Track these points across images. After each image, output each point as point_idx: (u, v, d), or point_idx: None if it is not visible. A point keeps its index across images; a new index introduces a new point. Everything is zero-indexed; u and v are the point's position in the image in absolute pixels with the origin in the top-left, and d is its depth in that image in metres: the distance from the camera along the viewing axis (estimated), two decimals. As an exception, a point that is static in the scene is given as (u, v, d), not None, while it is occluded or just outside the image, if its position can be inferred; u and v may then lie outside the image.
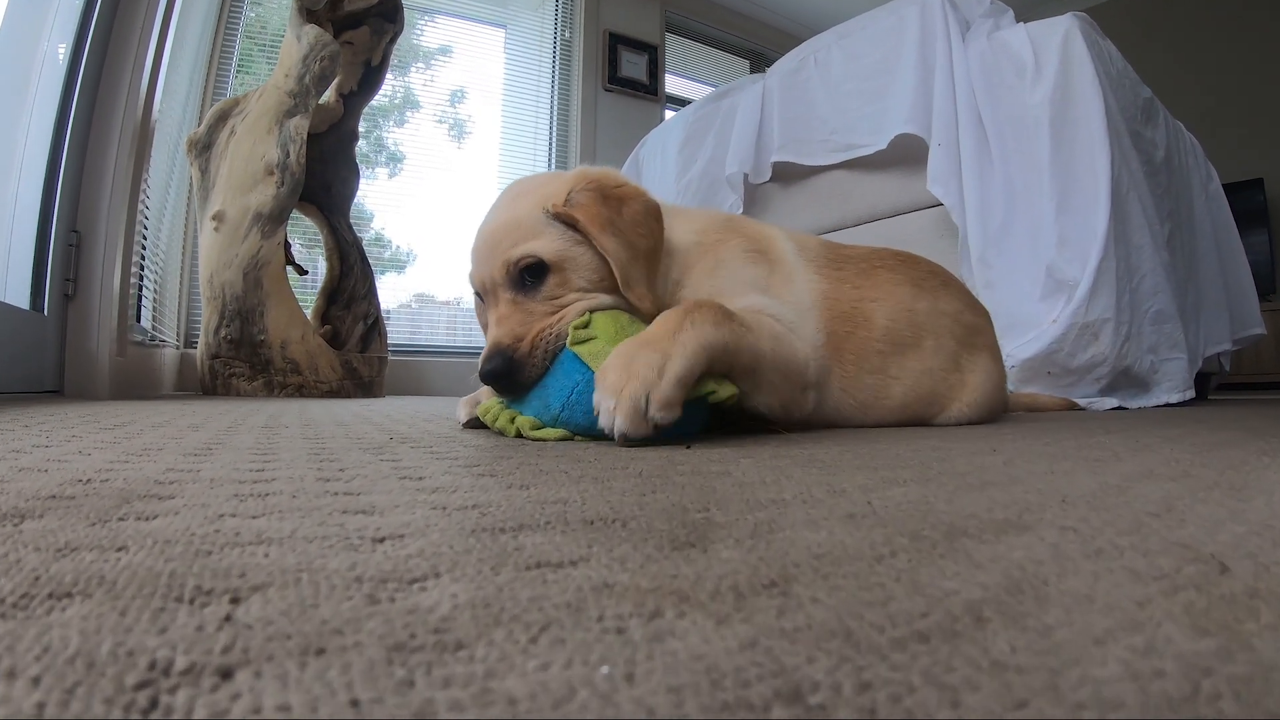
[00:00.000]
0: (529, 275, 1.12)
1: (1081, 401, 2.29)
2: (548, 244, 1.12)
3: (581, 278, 1.12)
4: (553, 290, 1.12)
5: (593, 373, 1.00)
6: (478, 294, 1.21)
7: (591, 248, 1.12)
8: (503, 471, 0.64)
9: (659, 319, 1.00)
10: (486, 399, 1.19)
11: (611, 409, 0.92)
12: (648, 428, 0.91)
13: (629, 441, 0.91)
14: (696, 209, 1.41)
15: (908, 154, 2.70)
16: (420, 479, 0.59)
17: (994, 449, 0.88)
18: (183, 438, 0.92)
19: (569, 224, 1.12)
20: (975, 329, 1.51)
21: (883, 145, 2.72)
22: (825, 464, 0.70)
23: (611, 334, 1.04)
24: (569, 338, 1.05)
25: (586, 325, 1.06)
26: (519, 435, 1.06)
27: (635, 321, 1.09)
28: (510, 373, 1.07)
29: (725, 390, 1.01)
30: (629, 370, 0.93)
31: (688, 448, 0.89)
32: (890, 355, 1.36)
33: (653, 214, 1.16)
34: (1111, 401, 2.32)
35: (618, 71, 5.56)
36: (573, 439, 1.03)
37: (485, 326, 1.20)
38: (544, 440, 1.02)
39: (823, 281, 1.36)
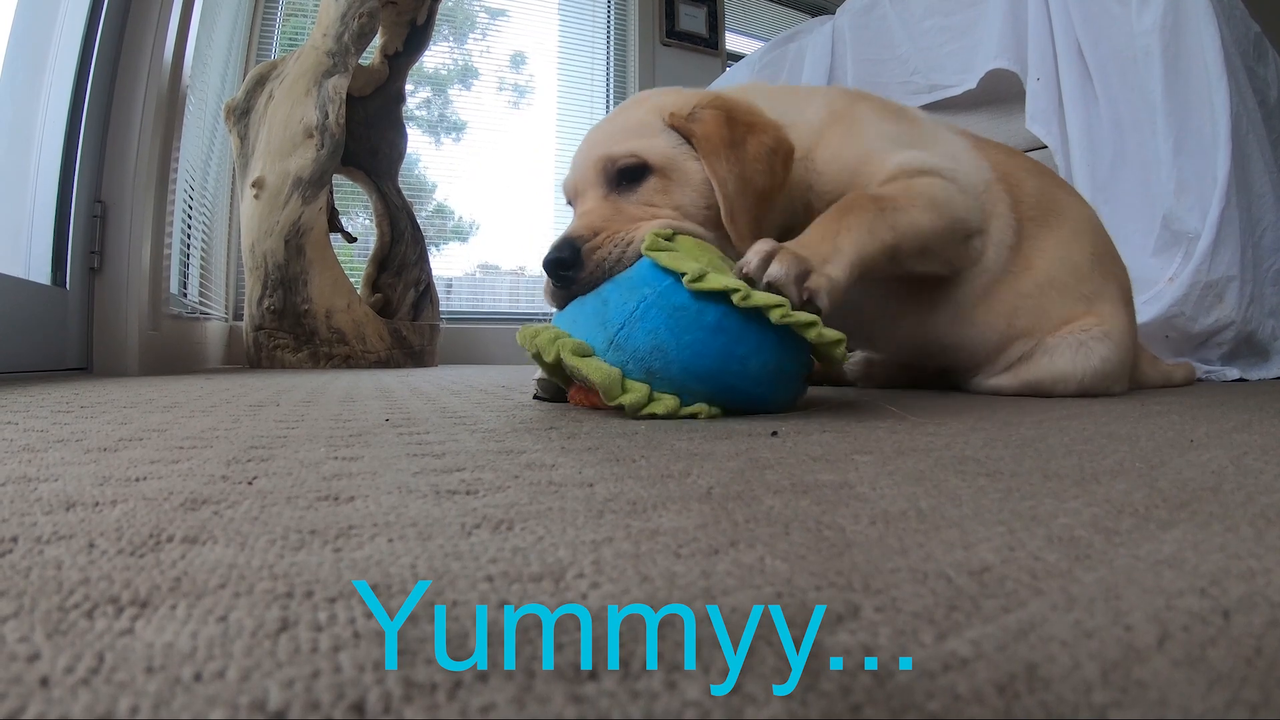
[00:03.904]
0: (627, 176, 0.99)
1: (1200, 370, 2.02)
2: (656, 146, 0.99)
3: (685, 195, 0.98)
4: (650, 196, 0.98)
5: (669, 281, 0.83)
6: (570, 203, 1.08)
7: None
8: (486, 486, 0.43)
9: (814, 228, 0.95)
10: None
11: (766, 251, 0.84)
12: (795, 293, 0.82)
13: (771, 290, 0.82)
14: (818, 87, 1.28)
15: (997, 93, 2.43)
16: (337, 500, 0.39)
17: (1190, 439, 0.66)
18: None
19: (686, 137, 1.00)
20: (1108, 249, 1.36)
21: (972, 84, 2.44)
22: (989, 468, 0.49)
23: (696, 253, 0.87)
24: (646, 243, 0.87)
25: (670, 239, 0.89)
26: (557, 364, 0.88)
27: (727, 260, 0.92)
28: (573, 265, 0.92)
29: (832, 333, 0.83)
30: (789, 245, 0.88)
31: (774, 435, 0.69)
32: (1033, 224, 1.25)
33: (780, 154, 1.01)
34: (1234, 372, 2.05)
35: (675, 25, 5.29)
36: (621, 385, 0.83)
37: None
38: (584, 377, 0.84)
39: (970, 144, 1.27)
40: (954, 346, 1.25)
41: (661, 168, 0.98)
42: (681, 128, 0.99)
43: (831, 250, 0.89)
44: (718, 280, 0.80)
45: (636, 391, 0.83)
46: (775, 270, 0.82)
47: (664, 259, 0.84)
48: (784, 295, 0.81)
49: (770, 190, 0.99)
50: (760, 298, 0.80)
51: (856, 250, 0.91)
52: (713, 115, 0.99)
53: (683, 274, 0.82)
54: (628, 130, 1.02)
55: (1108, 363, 1.19)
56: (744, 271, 0.84)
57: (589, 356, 0.85)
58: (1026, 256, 1.22)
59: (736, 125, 0.99)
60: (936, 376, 1.37)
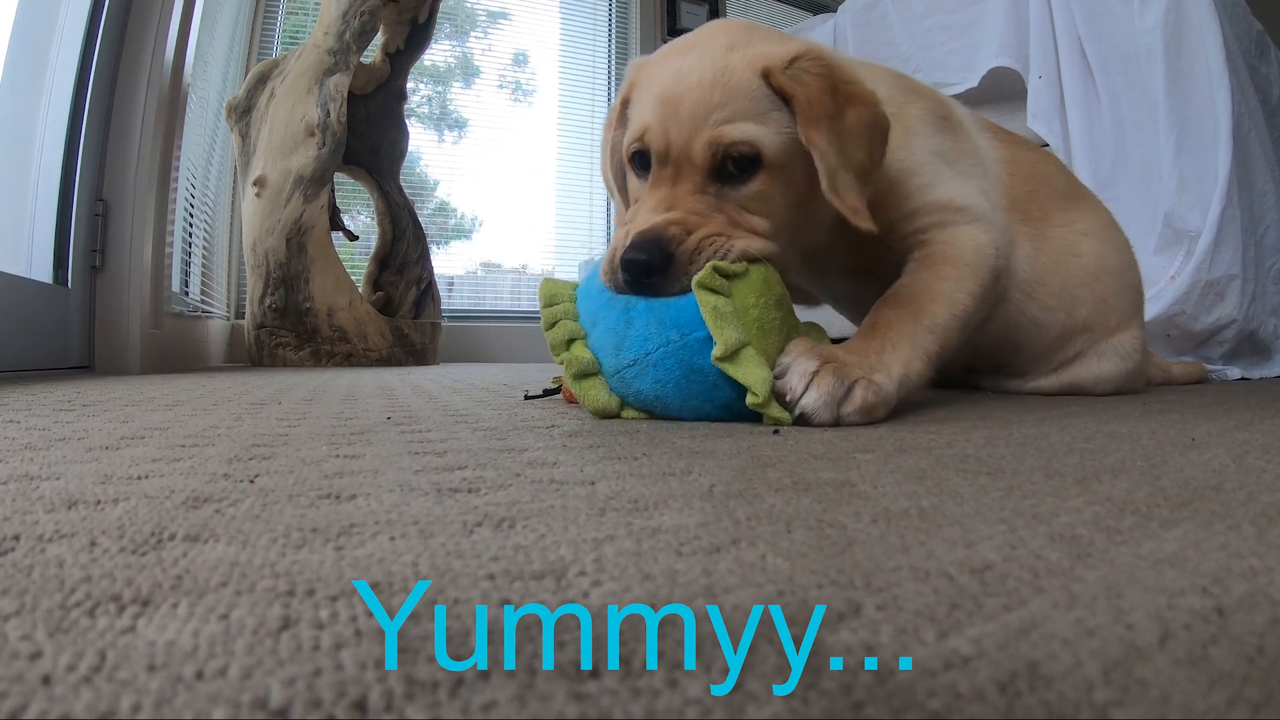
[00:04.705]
0: (735, 164, 0.87)
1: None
2: (772, 135, 0.87)
3: (785, 198, 0.89)
4: (751, 200, 0.88)
5: (701, 335, 0.78)
6: (638, 154, 0.94)
7: (806, 157, 0.88)
8: (488, 485, 0.43)
9: (854, 344, 0.88)
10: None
11: (810, 371, 0.79)
12: (829, 419, 0.77)
13: (802, 421, 0.78)
14: (867, 63, 1.21)
15: (1000, 91, 2.43)
16: (338, 498, 0.39)
17: (1192, 438, 0.66)
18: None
19: (785, 100, 0.87)
20: (1131, 254, 1.38)
21: (974, 82, 2.44)
22: (991, 466, 0.49)
23: (750, 301, 0.80)
24: (699, 275, 0.79)
25: (734, 277, 0.81)
26: (559, 390, 0.87)
27: (785, 303, 0.87)
28: (662, 270, 0.81)
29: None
30: (835, 353, 0.83)
31: (776, 433, 0.69)
32: (1072, 210, 1.27)
33: (880, 129, 0.92)
34: (1236, 371, 2.05)
35: (677, 23, 5.29)
36: (617, 415, 0.83)
37: (620, 197, 1.01)
38: (579, 402, 0.83)
39: (1000, 146, 1.26)
40: (1011, 346, 1.24)
41: (776, 164, 0.88)
42: (782, 87, 0.87)
43: (878, 362, 0.85)
44: (744, 371, 0.76)
45: (631, 413, 0.84)
46: (811, 400, 0.77)
47: (708, 308, 0.78)
48: (818, 420, 0.77)
49: (867, 169, 0.90)
50: (774, 415, 0.77)
51: (904, 367, 0.86)
52: (816, 79, 0.87)
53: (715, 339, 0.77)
54: (736, 100, 0.87)
55: (1137, 364, 1.26)
56: (783, 391, 0.79)
57: (592, 376, 0.83)
58: (1074, 242, 1.23)
59: (838, 95, 0.88)
60: (960, 376, 1.37)
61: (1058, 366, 1.26)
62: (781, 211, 0.90)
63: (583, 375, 0.83)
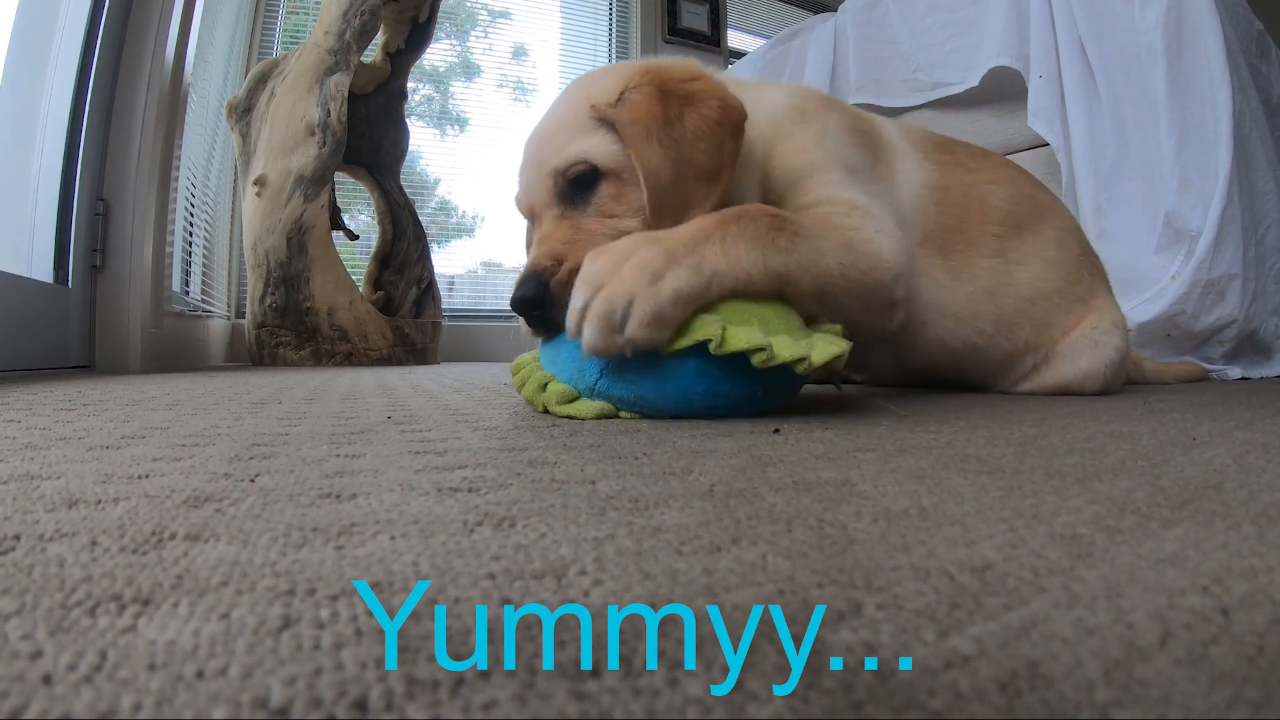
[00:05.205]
0: (578, 186, 0.90)
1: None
2: (600, 146, 0.89)
3: (639, 189, 0.87)
4: (606, 205, 0.90)
5: None
6: (528, 220, 1.01)
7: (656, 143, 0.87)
8: (488, 484, 0.43)
9: (691, 223, 0.82)
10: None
11: (580, 309, 0.76)
12: (619, 346, 0.75)
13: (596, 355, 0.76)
14: (795, 84, 1.20)
15: (1001, 90, 2.43)
16: (339, 498, 0.39)
17: (1193, 438, 0.66)
18: None
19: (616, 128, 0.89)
20: (1095, 258, 1.34)
21: (974, 82, 2.45)
22: (991, 465, 0.49)
23: None
24: None
25: None
26: (546, 411, 0.86)
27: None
28: (543, 303, 0.84)
29: (823, 353, 0.78)
30: (618, 268, 0.76)
31: (776, 432, 0.69)
32: (1009, 239, 1.20)
33: (728, 125, 0.88)
34: (1237, 371, 2.05)
35: (678, 22, 5.30)
36: (616, 415, 0.82)
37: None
38: (577, 417, 0.82)
39: (932, 170, 1.19)
40: (956, 367, 1.23)
41: (612, 170, 0.89)
42: (607, 118, 0.89)
43: (687, 257, 0.77)
44: (695, 334, 0.76)
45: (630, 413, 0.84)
46: (589, 335, 0.75)
47: None
48: (598, 354, 0.76)
49: (717, 169, 0.87)
50: (734, 341, 0.75)
51: (726, 261, 0.79)
52: (643, 93, 0.88)
53: None
54: (564, 131, 0.92)
55: (1120, 352, 1.21)
56: (569, 323, 0.77)
57: (576, 399, 0.84)
58: (1007, 272, 1.18)
59: (671, 98, 0.88)
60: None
61: (1024, 375, 1.24)
62: (648, 205, 0.87)
63: (567, 400, 0.84)
